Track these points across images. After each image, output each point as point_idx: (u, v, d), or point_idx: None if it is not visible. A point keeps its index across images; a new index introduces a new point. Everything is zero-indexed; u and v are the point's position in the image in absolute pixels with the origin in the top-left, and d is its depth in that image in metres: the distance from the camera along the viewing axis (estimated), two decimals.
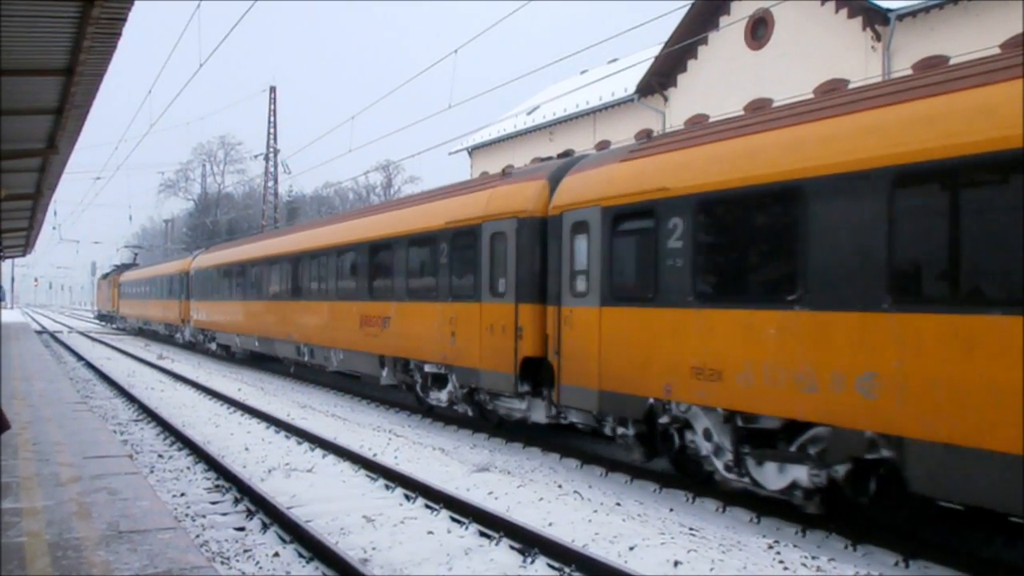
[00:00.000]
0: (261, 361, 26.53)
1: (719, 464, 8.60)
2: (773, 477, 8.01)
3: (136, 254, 65.12)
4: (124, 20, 7.90)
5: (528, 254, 11.45)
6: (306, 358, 20.03)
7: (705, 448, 8.72)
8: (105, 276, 62.42)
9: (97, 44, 8.44)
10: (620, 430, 10.03)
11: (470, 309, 12.59)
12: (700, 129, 9.69)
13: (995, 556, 7.25)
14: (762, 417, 7.96)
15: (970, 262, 6.26)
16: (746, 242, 8.21)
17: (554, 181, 11.45)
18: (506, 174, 13.38)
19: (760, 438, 8.11)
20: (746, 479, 8.35)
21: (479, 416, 13.56)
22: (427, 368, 14.17)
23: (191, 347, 33.20)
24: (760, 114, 8.98)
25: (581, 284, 10.35)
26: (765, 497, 8.50)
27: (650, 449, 9.91)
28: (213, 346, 29.60)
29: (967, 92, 6.49)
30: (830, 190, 7.19)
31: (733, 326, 8.12)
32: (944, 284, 6.40)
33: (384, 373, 15.78)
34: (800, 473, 7.65)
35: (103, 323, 62.59)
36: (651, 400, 9.20)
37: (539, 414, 11.60)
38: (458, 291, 13.01)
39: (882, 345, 6.72)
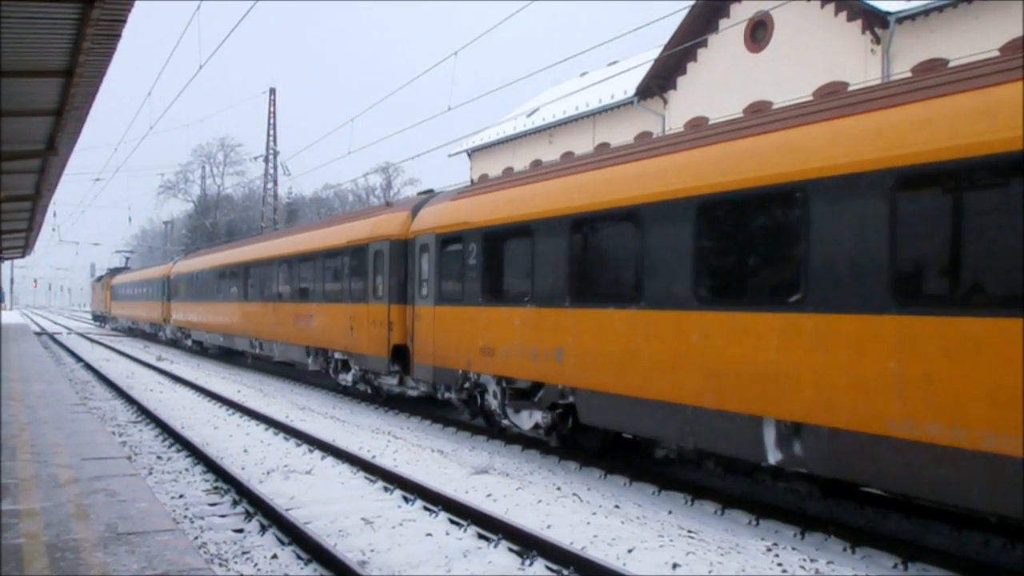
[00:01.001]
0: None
1: (499, 414, 11.88)
2: (526, 420, 11.50)
3: (128, 258, 66.03)
4: (124, 21, 7.88)
5: (397, 267, 14.84)
6: (258, 350, 23.93)
7: (494, 404, 11.99)
8: (99, 279, 64.12)
9: (97, 45, 8.41)
10: (447, 395, 13.47)
11: (361, 309, 16.07)
12: (494, 180, 13.53)
13: (994, 560, 7.25)
14: (517, 380, 11.37)
15: (588, 277, 9.94)
16: (507, 261, 11.62)
17: (415, 212, 14.81)
18: (389, 204, 17.06)
19: (521, 395, 11.40)
20: (513, 425, 11.73)
21: (374, 393, 16.99)
22: (336, 356, 17.81)
23: (173, 344, 36.73)
24: (523, 172, 12.78)
25: (424, 289, 13.84)
26: (765, 500, 8.70)
27: (472, 409, 13.00)
28: (189, 342, 33.40)
29: (608, 169, 9.92)
30: (546, 229, 10.56)
31: (500, 318, 11.54)
32: (590, 290, 9.89)
33: (310, 361, 19.45)
34: (539, 417, 11.10)
35: (97, 323, 63.41)
36: (460, 371, 12.59)
37: (405, 387, 15.25)
38: (355, 295, 16.51)
39: (566, 329, 10.15)
